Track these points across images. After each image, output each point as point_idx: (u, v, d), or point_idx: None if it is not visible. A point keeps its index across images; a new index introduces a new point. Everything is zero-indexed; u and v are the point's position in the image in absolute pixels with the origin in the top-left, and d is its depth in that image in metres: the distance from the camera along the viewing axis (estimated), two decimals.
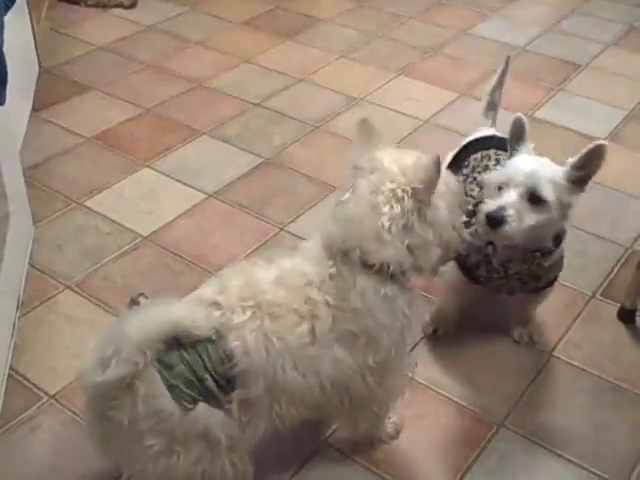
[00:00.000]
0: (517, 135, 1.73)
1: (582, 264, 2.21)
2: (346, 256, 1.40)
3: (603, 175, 2.54)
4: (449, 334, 1.98)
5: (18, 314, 1.99)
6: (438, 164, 1.36)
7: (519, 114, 1.73)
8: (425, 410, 1.79)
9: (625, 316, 2.03)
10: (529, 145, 1.72)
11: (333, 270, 1.41)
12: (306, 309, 1.39)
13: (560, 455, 1.70)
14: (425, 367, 1.87)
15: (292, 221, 2.34)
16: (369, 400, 1.53)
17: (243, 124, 2.84)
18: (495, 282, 1.82)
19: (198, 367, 1.33)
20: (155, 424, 1.31)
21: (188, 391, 1.32)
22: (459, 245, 1.57)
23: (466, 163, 1.96)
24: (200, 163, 2.62)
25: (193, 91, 3.04)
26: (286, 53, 3.35)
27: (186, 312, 1.35)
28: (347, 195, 1.44)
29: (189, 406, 1.32)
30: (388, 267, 1.40)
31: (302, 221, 2.34)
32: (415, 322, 1.53)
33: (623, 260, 2.24)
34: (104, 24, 3.54)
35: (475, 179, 1.90)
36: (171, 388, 1.31)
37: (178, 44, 3.39)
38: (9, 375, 1.83)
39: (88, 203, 2.41)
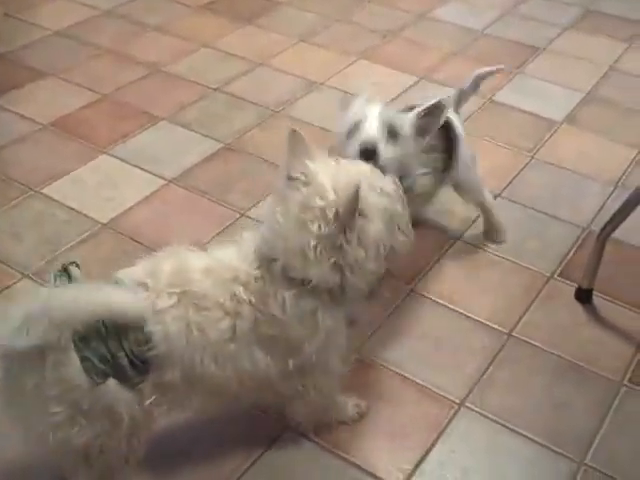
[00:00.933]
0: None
1: (540, 246, 2.24)
2: (270, 265, 1.39)
3: (560, 157, 2.63)
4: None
5: None
6: (357, 191, 1.29)
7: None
8: (385, 391, 1.80)
9: (582, 296, 2.07)
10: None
11: (258, 273, 1.40)
12: (230, 305, 1.38)
13: (520, 433, 1.72)
14: (384, 348, 1.88)
15: (253, 206, 2.34)
16: (298, 398, 1.55)
17: (202, 109, 2.82)
18: None
19: (114, 344, 1.32)
20: (61, 392, 1.30)
21: (101, 366, 1.31)
22: (403, 251, 1.50)
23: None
24: (159, 149, 2.60)
25: (152, 76, 3.01)
26: (245, 37, 3.32)
27: (117, 298, 1.32)
28: (277, 207, 1.41)
29: (99, 380, 1.31)
30: (309, 282, 1.38)
31: (263, 206, 2.34)
32: (341, 334, 1.51)
33: (580, 241, 2.27)
34: (60, 8, 3.48)
35: None
36: (83, 360, 1.30)
37: (136, 29, 3.34)
38: None
39: (45, 191, 2.38)
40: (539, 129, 2.78)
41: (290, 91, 2.94)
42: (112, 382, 1.33)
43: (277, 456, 1.65)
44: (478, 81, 2.19)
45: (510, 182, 2.51)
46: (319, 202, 1.35)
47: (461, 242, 2.26)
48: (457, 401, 1.78)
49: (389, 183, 1.46)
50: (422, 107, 1.79)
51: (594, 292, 2.07)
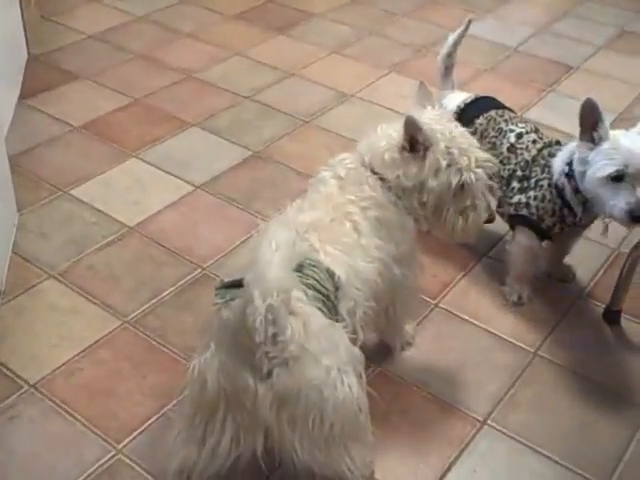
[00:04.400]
0: (593, 119, 1.78)
1: (570, 265, 2.21)
2: (364, 158, 1.63)
3: None
4: (530, 299, 2.08)
5: (0, 302, 1.97)
6: (410, 118, 1.54)
7: (589, 97, 1.79)
8: (408, 407, 1.78)
9: (610, 317, 2.04)
10: (607, 124, 1.77)
11: (352, 166, 1.63)
12: (340, 214, 1.55)
13: (543, 454, 1.69)
14: (408, 363, 1.87)
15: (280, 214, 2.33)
16: (399, 292, 1.68)
17: (233, 117, 2.82)
18: (563, 235, 2.00)
19: (320, 287, 1.41)
20: (325, 341, 1.34)
21: (324, 309, 1.39)
22: (451, 234, 1.68)
23: (472, 129, 1.98)
24: (189, 155, 2.61)
25: (183, 82, 3.02)
26: (278, 47, 3.33)
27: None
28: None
29: (334, 317, 1.41)
30: (388, 181, 1.60)
31: None
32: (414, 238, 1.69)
33: (610, 262, 2.24)
34: (95, 13, 3.52)
35: (495, 145, 2.01)
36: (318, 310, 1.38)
37: (169, 35, 3.37)
38: None
39: (74, 192, 2.39)
40: None
41: (320, 102, 2.94)
42: (338, 324, 1.41)
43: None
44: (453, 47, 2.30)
45: None
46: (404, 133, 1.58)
47: (487, 258, 2.23)
48: (480, 419, 1.76)
49: (477, 175, 1.60)
50: None
51: (622, 314, 2.03)
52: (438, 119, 1.63)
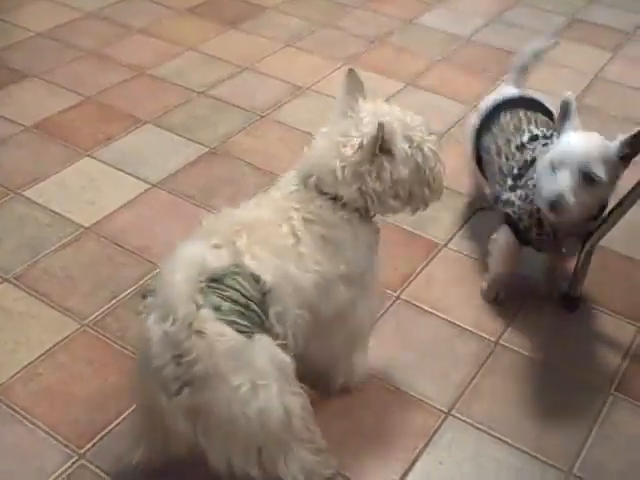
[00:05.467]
0: (564, 114, 1.82)
1: (527, 254, 2.23)
2: (307, 180, 1.54)
3: None
4: (508, 298, 2.07)
5: None
6: (381, 128, 1.45)
7: (568, 94, 1.82)
8: (371, 400, 1.78)
9: (569, 304, 2.06)
10: (575, 121, 1.82)
11: (294, 188, 1.55)
12: (280, 216, 1.50)
13: (508, 443, 1.71)
14: (372, 357, 1.86)
15: None
16: (347, 316, 1.60)
17: (188, 113, 2.79)
18: (543, 243, 1.94)
19: (239, 297, 1.36)
20: (234, 360, 1.31)
21: (243, 322, 1.34)
22: (424, 204, 1.64)
23: (496, 122, 2.06)
24: (144, 152, 2.57)
25: (136, 79, 2.98)
26: (230, 41, 3.30)
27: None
28: (322, 129, 1.57)
29: (250, 333, 1.34)
30: (341, 198, 1.52)
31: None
32: (375, 252, 1.63)
33: None
34: (42, 10, 3.45)
35: (509, 140, 2.01)
36: (230, 324, 1.32)
37: (120, 31, 3.31)
38: None
39: (27, 193, 2.34)
40: None
41: (275, 95, 2.92)
42: (259, 334, 1.36)
43: None
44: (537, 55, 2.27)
45: None
46: (353, 132, 1.50)
47: (447, 249, 2.24)
48: (444, 410, 1.77)
49: (430, 142, 1.57)
50: (626, 136, 1.74)
51: (581, 300, 2.06)
52: (378, 108, 1.56)
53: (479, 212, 2.37)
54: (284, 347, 1.43)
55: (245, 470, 1.38)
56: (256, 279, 1.40)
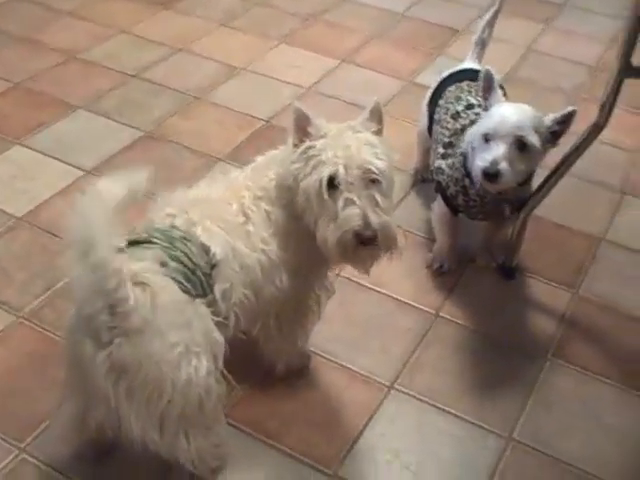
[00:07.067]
0: (487, 86, 1.86)
1: (463, 226, 2.26)
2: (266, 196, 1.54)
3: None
4: (452, 270, 2.10)
5: None
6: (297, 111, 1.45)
7: (487, 67, 1.86)
8: (314, 377, 1.79)
9: (506, 274, 2.10)
10: (499, 93, 1.86)
11: (255, 208, 1.53)
12: (232, 195, 1.52)
13: (449, 412, 1.74)
14: (314, 334, 1.86)
15: None
16: (290, 305, 1.60)
17: (121, 97, 2.75)
18: (472, 210, 1.97)
19: (187, 261, 1.38)
20: (174, 316, 1.30)
21: (187, 284, 1.35)
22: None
23: (442, 95, 2.10)
24: (77, 138, 2.52)
25: (66, 64, 2.92)
26: (163, 22, 3.25)
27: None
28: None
29: (195, 293, 1.36)
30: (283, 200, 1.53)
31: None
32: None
33: None
34: None
35: (448, 109, 2.04)
36: (175, 282, 1.34)
37: (48, 15, 3.23)
38: None
39: None
40: None
41: (211, 76, 2.89)
42: (200, 301, 1.37)
43: None
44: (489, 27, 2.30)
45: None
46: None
47: None
48: (386, 384, 1.79)
49: (368, 157, 1.43)
50: (556, 115, 1.80)
51: (518, 270, 2.10)
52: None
53: (419, 185, 2.39)
54: (224, 327, 1.43)
55: (149, 436, 1.34)
56: (206, 250, 1.42)
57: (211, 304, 1.41)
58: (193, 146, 2.50)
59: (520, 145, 1.76)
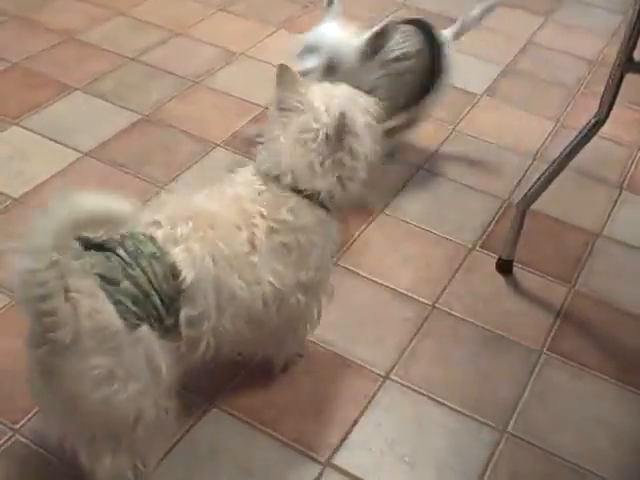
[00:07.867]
0: (329, 2, 2.15)
1: (462, 217, 2.26)
2: (277, 179, 1.48)
3: (481, 129, 2.65)
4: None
5: None
6: (343, 115, 1.44)
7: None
8: (312, 367, 1.79)
9: (503, 267, 2.09)
10: (338, 8, 2.13)
11: (263, 188, 1.48)
12: (242, 219, 1.43)
13: (444, 404, 1.74)
14: None
15: (172, 180, 2.28)
16: (297, 319, 1.61)
17: (119, 79, 2.72)
18: None
19: (144, 282, 1.29)
20: (100, 342, 1.23)
21: (134, 308, 1.27)
22: (379, 168, 1.63)
23: None
24: (74, 120, 2.50)
25: (64, 44, 2.89)
26: (162, 5, 3.22)
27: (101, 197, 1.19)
28: (277, 131, 1.51)
29: (136, 322, 1.27)
30: (319, 194, 1.49)
31: (183, 180, 2.28)
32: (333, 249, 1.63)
33: (501, 213, 2.30)
34: None
35: None
36: (117, 303, 1.25)
37: None
38: None
39: None
40: (459, 102, 2.79)
41: (209, 61, 2.87)
42: (146, 328, 1.28)
43: (201, 435, 1.62)
44: (483, 15, 2.46)
45: (432, 155, 2.52)
46: (315, 125, 1.48)
47: (383, 215, 2.25)
48: (382, 374, 1.79)
49: (371, 103, 1.58)
50: (371, 32, 2.04)
51: (514, 263, 2.10)
52: (326, 93, 1.54)
53: (416, 176, 2.39)
54: (190, 350, 1.39)
55: (75, 449, 1.33)
56: (175, 274, 1.32)
57: (169, 329, 1.34)
58: (191, 131, 2.49)
59: (330, 66, 2.01)
